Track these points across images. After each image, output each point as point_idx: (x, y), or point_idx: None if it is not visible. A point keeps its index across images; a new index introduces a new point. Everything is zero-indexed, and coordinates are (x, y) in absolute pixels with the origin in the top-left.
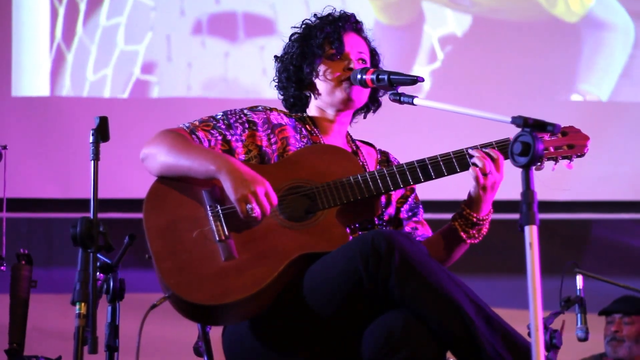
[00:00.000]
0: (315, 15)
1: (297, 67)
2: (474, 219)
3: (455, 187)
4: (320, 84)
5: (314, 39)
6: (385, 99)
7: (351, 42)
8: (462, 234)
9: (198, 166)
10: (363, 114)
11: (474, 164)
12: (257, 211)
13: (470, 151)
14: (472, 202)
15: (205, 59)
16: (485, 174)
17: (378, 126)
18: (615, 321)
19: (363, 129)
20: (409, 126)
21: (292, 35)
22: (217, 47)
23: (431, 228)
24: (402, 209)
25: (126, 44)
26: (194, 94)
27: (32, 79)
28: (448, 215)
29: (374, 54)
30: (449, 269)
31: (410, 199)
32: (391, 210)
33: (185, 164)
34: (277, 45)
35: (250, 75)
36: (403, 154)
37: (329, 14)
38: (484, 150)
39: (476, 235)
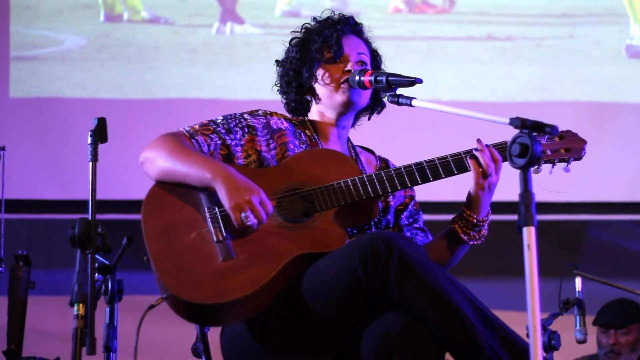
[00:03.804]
0: (314, 19)
1: (296, 72)
2: (474, 220)
3: (454, 188)
4: (320, 89)
5: (312, 43)
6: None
7: (350, 44)
8: (462, 236)
9: (194, 173)
10: (367, 115)
11: (479, 165)
12: (252, 220)
13: (474, 152)
14: (472, 203)
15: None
16: (486, 176)
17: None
18: (610, 334)
19: (362, 132)
20: (409, 130)
21: (292, 39)
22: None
23: (430, 230)
24: (402, 216)
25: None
26: (195, 95)
27: (30, 80)
28: (446, 216)
29: (374, 56)
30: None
31: (410, 206)
32: (390, 217)
33: (182, 171)
34: None
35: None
36: (403, 158)
37: (328, 17)
38: (490, 149)
39: (477, 237)
